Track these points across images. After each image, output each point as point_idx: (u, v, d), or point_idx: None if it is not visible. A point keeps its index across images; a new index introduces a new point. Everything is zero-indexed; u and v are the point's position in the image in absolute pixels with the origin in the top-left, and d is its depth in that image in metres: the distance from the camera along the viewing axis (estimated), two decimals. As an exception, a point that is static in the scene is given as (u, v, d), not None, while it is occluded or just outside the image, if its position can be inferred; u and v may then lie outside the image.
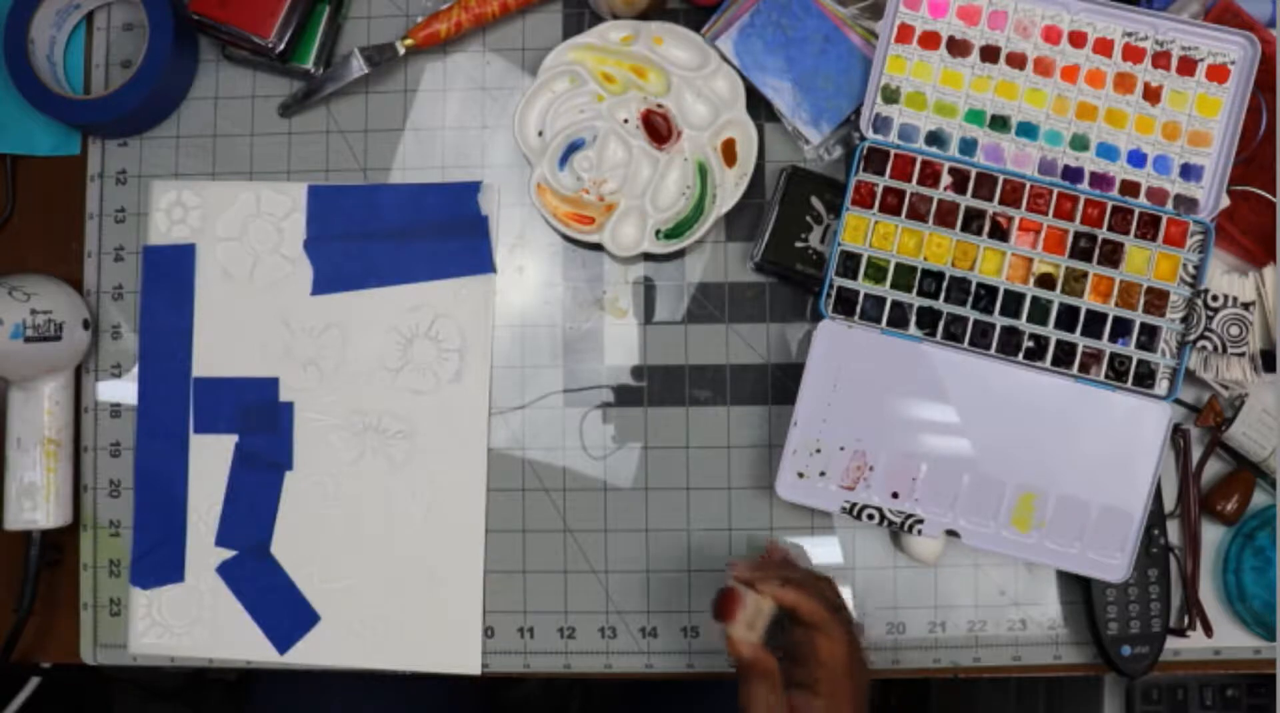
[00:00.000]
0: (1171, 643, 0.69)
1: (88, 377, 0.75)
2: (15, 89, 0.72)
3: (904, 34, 0.70)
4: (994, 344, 0.69)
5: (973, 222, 0.69)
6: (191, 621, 0.73)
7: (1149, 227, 0.69)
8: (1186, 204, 0.69)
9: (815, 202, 0.71)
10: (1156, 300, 0.68)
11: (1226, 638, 0.71)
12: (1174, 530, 0.71)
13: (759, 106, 0.72)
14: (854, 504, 0.68)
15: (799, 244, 0.70)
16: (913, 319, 0.69)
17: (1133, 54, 0.69)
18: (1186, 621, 0.70)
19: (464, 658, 0.72)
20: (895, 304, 0.69)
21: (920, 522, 0.68)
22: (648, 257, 0.73)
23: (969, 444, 0.68)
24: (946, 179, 0.70)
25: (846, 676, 0.59)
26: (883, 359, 0.69)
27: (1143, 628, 0.68)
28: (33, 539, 0.71)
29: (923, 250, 0.69)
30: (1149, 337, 0.68)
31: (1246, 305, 0.68)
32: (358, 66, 0.74)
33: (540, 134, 0.72)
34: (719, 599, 0.60)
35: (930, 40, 0.70)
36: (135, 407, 0.74)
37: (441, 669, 0.72)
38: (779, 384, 0.73)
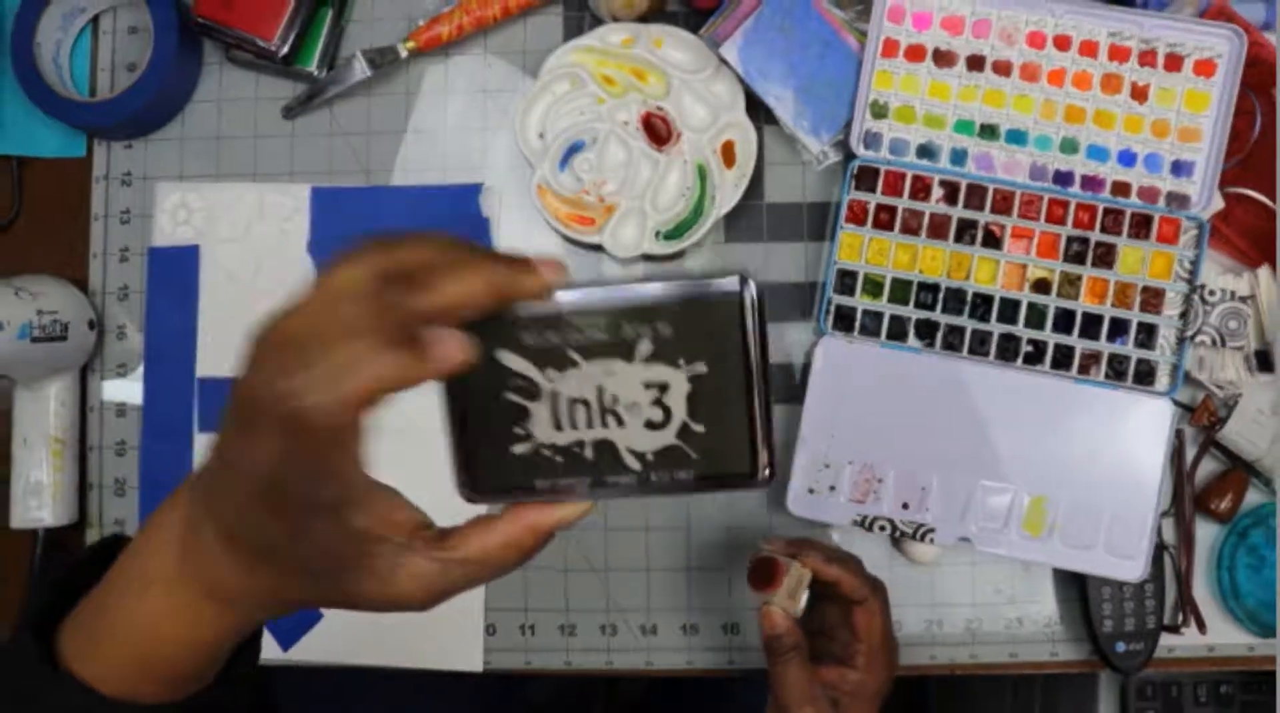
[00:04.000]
0: (1166, 640, 0.70)
1: (93, 376, 0.76)
2: (22, 92, 0.73)
3: (889, 48, 0.71)
4: (992, 351, 0.69)
5: (965, 232, 0.70)
6: (196, 618, 0.73)
7: (1141, 226, 0.69)
8: (1179, 201, 0.70)
9: (513, 360, 0.37)
10: (1153, 298, 0.69)
11: (1220, 635, 0.71)
12: (1168, 529, 0.71)
13: (758, 108, 0.72)
14: (865, 517, 0.69)
15: (518, 448, 0.38)
16: (911, 331, 0.70)
17: (1118, 54, 0.69)
18: (1181, 618, 0.70)
19: (465, 655, 0.72)
20: (893, 318, 0.70)
21: (932, 531, 0.68)
22: (648, 257, 0.74)
23: (976, 451, 0.69)
24: (938, 192, 0.70)
25: (882, 651, 0.61)
26: (885, 372, 0.69)
27: (1137, 625, 0.69)
28: (38, 538, 0.72)
29: (917, 263, 0.70)
30: (1147, 335, 0.69)
31: (1244, 298, 0.69)
32: (360, 69, 0.74)
33: (541, 136, 0.72)
34: (758, 568, 0.59)
35: (916, 53, 0.71)
36: (140, 406, 0.75)
37: (443, 666, 0.72)
38: (778, 384, 0.73)
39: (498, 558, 0.39)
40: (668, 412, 0.36)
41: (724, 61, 0.71)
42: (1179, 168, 0.70)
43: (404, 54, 0.74)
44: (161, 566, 0.38)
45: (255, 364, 0.33)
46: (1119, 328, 0.69)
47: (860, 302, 0.70)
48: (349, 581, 0.37)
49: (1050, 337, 0.69)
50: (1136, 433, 0.68)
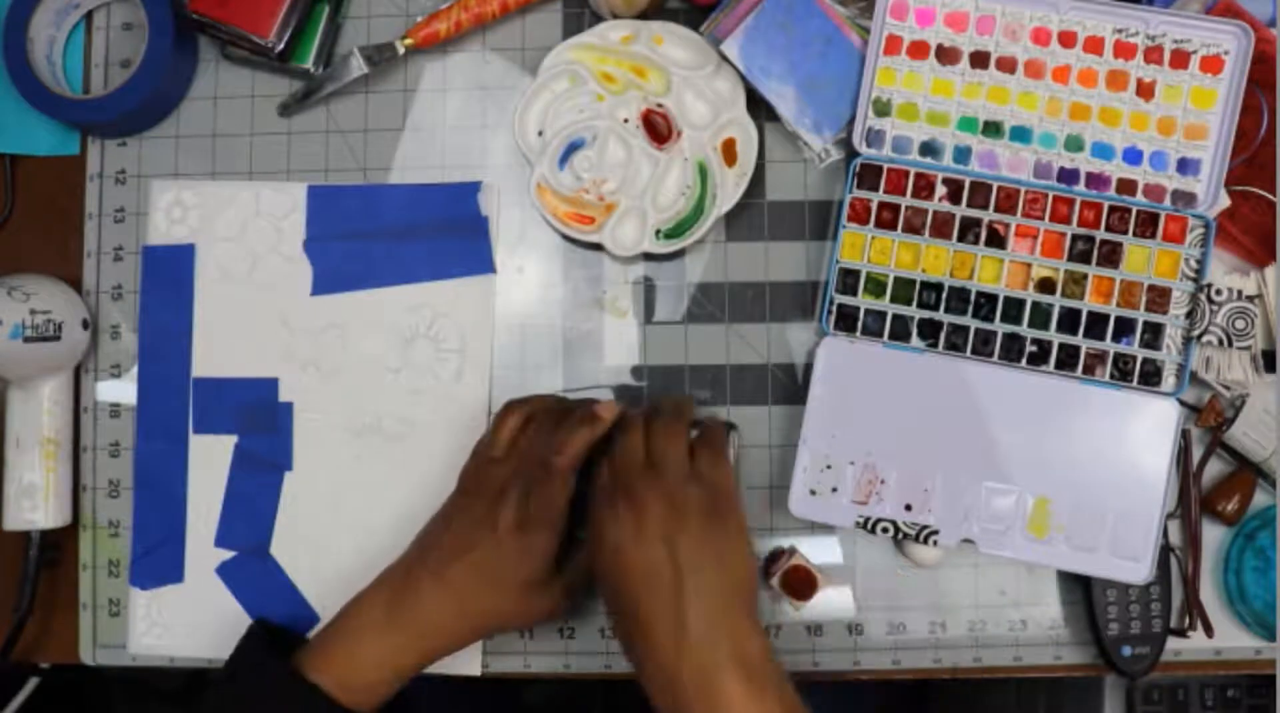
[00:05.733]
0: (1172, 643, 0.69)
1: (87, 377, 0.75)
2: (14, 89, 0.72)
3: (892, 45, 0.70)
4: (996, 351, 0.69)
5: (969, 231, 0.69)
6: (191, 621, 0.73)
7: (1147, 225, 0.69)
8: (1185, 199, 0.69)
9: None
10: (1159, 298, 0.68)
11: (1227, 639, 0.71)
12: (1174, 531, 0.71)
13: (759, 106, 0.72)
14: (868, 519, 0.68)
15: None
16: (914, 331, 0.69)
17: (1124, 50, 0.69)
18: (1187, 621, 0.70)
19: (464, 659, 0.71)
20: (896, 317, 0.69)
21: (935, 532, 0.68)
22: (648, 256, 0.73)
23: (979, 452, 0.68)
24: (941, 190, 0.69)
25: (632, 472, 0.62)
26: (887, 373, 0.69)
27: (1143, 628, 0.68)
28: (32, 539, 0.71)
29: (921, 263, 0.69)
30: (1153, 335, 0.68)
31: (1251, 298, 0.68)
32: (357, 66, 0.73)
33: (540, 134, 0.72)
34: (794, 576, 0.70)
35: (919, 50, 0.70)
36: (134, 407, 0.74)
37: (441, 670, 0.72)
38: (779, 384, 0.72)
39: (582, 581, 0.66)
40: None
41: (725, 58, 0.71)
42: (1185, 165, 0.69)
43: (401, 51, 0.74)
44: (376, 617, 0.62)
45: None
46: (1125, 328, 0.68)
47: (863, 301, 0.70)
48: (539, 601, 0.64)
49: (1055, 337, 0.68)
50: (1142, 434, 0.67)
